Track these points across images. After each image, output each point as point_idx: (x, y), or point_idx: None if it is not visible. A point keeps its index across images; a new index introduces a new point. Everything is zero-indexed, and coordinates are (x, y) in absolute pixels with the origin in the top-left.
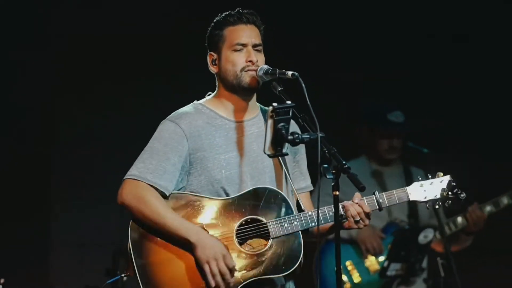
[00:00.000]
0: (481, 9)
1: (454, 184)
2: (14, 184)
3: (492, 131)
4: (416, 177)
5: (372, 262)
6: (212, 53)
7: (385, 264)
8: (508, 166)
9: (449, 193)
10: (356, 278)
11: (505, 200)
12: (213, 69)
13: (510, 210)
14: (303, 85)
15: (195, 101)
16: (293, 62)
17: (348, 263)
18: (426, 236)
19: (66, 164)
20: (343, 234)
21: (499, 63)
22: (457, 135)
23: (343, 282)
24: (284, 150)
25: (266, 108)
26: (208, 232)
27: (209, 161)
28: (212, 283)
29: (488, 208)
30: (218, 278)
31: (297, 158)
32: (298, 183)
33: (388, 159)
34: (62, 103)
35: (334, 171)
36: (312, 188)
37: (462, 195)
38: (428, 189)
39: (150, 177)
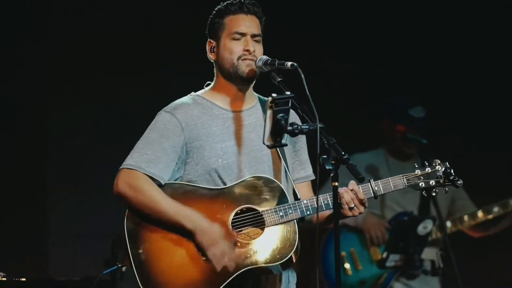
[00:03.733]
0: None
1: (450, 171)
2: (11, 176)
3: (476, 128)
4: None
5: (376, 252)
6: (211, 40)
7: (384, 255)
8: (492, 163)
9: (446, 180)
10: (358, 266)
11: None
12: (211, 57)
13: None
14: (302, 75)
15: (192, 93)
16: (296, 54)
17: (352, 250)
18: (425, 227)
19: (63, 155)
20: (350, 222)
21: (497, 57)
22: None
23: (346, 270)
24: (283, 141)
25: (265, 98)
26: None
27: (205, 150)
28: (218, 266)
29: None
30: (223, 260)
31: (297, 147)
32: (298, 172)
33: (407, 153)
34: (59, 95)
35: (333, 162)
36: (313, 177)
37: (459, 182)
38: (424, 177)
39: (145, 166)
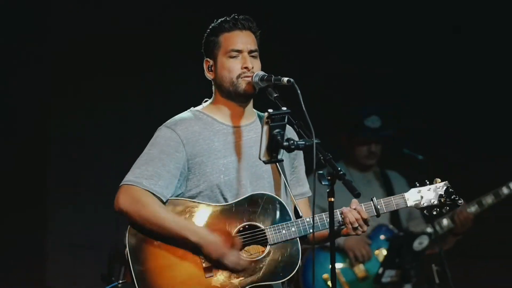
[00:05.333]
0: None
1: (452, 190)
2: (9, 184)
3: (476, 130)
4: (394, 180)
5: (360, 269)
6: (208, 59)
7: (380, 271)
8: (492, 165)
9: (447, 199)
10: (345, 285)
11: (489, 200)
12: (209, 76)
13: (501, 213)
14: (299, 91)
15: (192, 108)
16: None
17: (336, 270)
18: (421, 242)
19: (62, 165)
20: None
21: (486, 62)
22: (440, 134)
23: None
24: (279, 157)
25: (263, 114)
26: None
27: (207, 166)
28: (240, 268)
29: (472, 209)
30: (240, 264)
31: (295, 164)
32: (296, 189)
33: (367, 164)
34: (59, 102)
35: (329, 178)
36: (310, 194)
37: (460, 201)
38: (425, 196)
39: (146, 183)
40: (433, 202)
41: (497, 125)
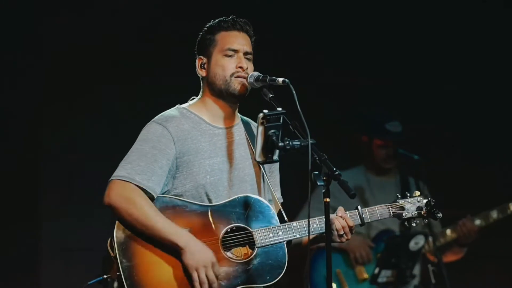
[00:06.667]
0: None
1: (432, 204)
2: (3, 188)
3: (482, 139)
4: (413, 187)
5: (361, 271)
6: (202, 57)
7: (376, 271)
8: (492, 169)
9: (427, 212)
10: (345, 286)
11: (494, 215)
12: (201, 73)
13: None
14: (294, 91)
15: (178, 105)
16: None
17: (338, 271)
18: (417, 243)
19: (55, 169)
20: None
21: (488, 68)
22: (440, 137)
23: None
24: (275, 157)
25: (245, 118)
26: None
27: (194, 165)
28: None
29: (477, 222)
30: (206, 286)
31: (272, 169)
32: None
33: (385, 168)
34: (50, 108)
35: (324, 178)
36: (282, 200)
37: (438, 215)
38: (407, 207)
39: (139, 179)
40: (414, 214)
41: (498, 130)
